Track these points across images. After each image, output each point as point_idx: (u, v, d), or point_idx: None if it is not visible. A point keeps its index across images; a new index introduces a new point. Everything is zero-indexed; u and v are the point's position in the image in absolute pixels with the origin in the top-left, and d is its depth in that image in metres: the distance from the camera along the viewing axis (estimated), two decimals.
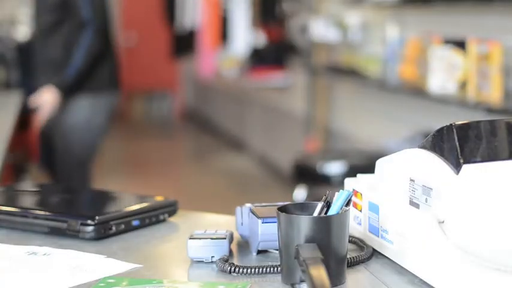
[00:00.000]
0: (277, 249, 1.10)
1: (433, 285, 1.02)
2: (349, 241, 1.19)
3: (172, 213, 1.42)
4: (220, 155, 7.74)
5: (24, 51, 5.50)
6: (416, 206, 1.09)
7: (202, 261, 1.17)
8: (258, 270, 1.10)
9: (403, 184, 1.12)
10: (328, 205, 1.07)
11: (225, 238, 1.18)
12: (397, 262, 1.12)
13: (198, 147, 8.75)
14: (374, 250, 1.18)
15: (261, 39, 6.65)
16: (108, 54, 3.92)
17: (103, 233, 1.29)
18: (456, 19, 3.84)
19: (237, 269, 1.10)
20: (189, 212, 1.47)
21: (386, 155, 1.21)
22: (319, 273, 0.95)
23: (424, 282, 1.05)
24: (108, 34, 3.90)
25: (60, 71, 3.72)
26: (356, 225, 1.24)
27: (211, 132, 8.92)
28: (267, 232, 1.16)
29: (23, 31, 6.12)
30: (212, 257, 1.16)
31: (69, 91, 3.75)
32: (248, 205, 1.24)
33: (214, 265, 1.15)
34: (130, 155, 8.22)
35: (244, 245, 1.25)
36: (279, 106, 6.61)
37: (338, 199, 1.07)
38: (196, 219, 1.46)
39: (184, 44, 8.53)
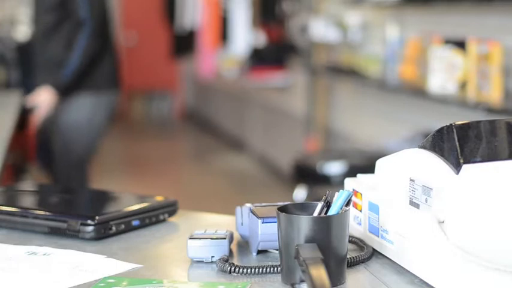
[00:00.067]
0: (277, 249, 1.11)
1: (433, 285, 1.02)
2: (349, 241, 1.19)
3: (172, 213, 1.42)
4: (220, 155, 7.74)
5: (24, 51, 5.50)
6: (416, 206, 1.09)
7: (202, 261, 1.17)
8: (258, 270, 1.10)
9: (403, 184, 1.12)
10: (328, 205, 1.07)
11: (225, 238, 1.18)
12: (397, 262, 1.12)
13: (198, 147, 8.75)
14: (374, 250, 1.18)
15: (261, 39, 6.65)
16: (109, 53, 3.91)
17: (103, 233, 1.29)
18: (456, 19, 3.84)
19: (237, 269, 1.10)
20: (189, 212, 1.47)
21: (386, 155, 1.21)
22: (319, 273, 0.95)
23: (424, 282, 1.05)
24: (108, 33, 3.90)
25: (57, 71, 3.72)
26: (356, 225, 1.24)
27: (211, 132, 8.92)
28: (267, 232, 1.16)
29: (23, 31, 6.12)
30: (212, 257, 1.16)
31: (66, 91, 3.75)
32: (248, 205, 1.24)
33: (214, 265, 1.15)
34: (130, 155, 8.23)
35: (244, 245, 1.25)
36: (279, 106, 6.61)
37: (338, 199, 1.07)
38: (196, 219, 1.46)
39: (184, 44, 8.53)
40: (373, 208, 1.18)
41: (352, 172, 1.99)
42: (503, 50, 3.28)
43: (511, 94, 3.32)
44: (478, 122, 1.06)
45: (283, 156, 6.15)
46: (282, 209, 1.07)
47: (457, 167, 1.03)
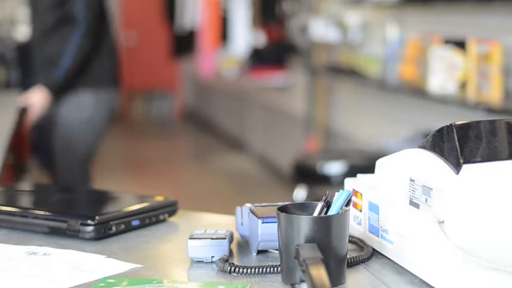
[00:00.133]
0: (277, 249, 1.11)
1: (433, 285, 1.02)
2: (349, 241, 1.19)
3: (172, 213, 1.42)
4: (220, 155, 7.74)
5: (24, 51, 5.50)
6: (416, 206, 1.09)
7: (202, 261, 1.17)
8: (258, 270, 1.10)
9: (403, 184, 1.12)
10: (328, 205, 1.07)
11: (225, 238, 1.18)
12: (397, 262, 1.12)
13: (198, 147, 8.75)
14: (374, 250, 1.18)
15: (261, 39, 6.65)
16: (109, 50, 3.91)
17: (103, 233, 1.29)
18: (456, 19, 3.84)
19: (237, 269, 1.10)
20: (189, 212, 1.47)
21: (386, 155, 1.21)
22: (319, 273, 0.95)
23: (424, 282, 1.05)
24: (107, 31, 3.89)
25: (52, 71, 3.71)
26: (356, 225, 1.24)
27: (211, 132, 8.92)
28: (267, 232, 1.16)
29: (23, 31, 6.12)
30: (212, 257, 1.16)
31: (60, 90, 3.73)
32: (248, 205, 1.24)
33: (214, 265, 1.15)
34: (130, 155, 8.23)
35: (244, 245, 1.25)
36: (279, 106, 6.61)
37: (338, 199, 1.07)
38: (196, 219, 1.46)
39: (184, 44, 8.53)
40: (373, 208, 1.18)
41: (352, 172, 1.99)
42: (503, 50, 3.28)
43: (511, 94, 3.32)
44: (478, 122, 1.06)
45: (283, 156, 6.16)
46: (282, 209, 1.07)
47: (457, 167, 1.03)
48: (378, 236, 1.17)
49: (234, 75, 7.41)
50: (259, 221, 1.16)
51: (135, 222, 1.34)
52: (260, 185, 6.35)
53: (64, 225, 1.29)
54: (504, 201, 1.02)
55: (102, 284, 1.07)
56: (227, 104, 8.53)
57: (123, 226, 1.32)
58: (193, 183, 6.60)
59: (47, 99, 3.72)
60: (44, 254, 1.21)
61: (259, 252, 1.20)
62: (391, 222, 1.13)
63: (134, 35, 10.35)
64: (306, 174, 4.06)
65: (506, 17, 3.47)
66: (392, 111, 4.50)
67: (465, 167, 1.02)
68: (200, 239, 1.17)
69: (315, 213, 1.07)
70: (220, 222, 1.42)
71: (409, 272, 1.09)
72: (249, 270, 1.10)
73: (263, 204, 1.24)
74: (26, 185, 2.06)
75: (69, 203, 1.52)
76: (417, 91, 3.83)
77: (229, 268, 1.11)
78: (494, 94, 3.26)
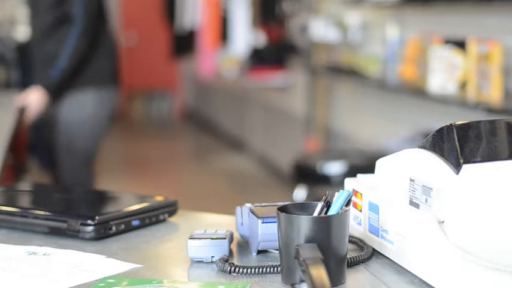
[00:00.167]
0: (277, 249, 1.11)
1: (433, 285, 1.02)
2: (349, 241, 1.19)
3: (172, 213, 1.42)
4: (220, 155, 7.74)
5: (24, 51, 5.50)
6: (416, 206, 1.09)
7: (202, 261, 1.17)
8: (258, 270, 1.10)
9: (403, 184, 1.12)
10: (328, 205, 1.07)
11: (225, 238, 1.18)
12: (397, 262, 1.12)
13: (198, 147, 8.75)
14: (374, 250, 1.18)
15: (261, 39, 6.65)
16: (109, 49, 3.90)
17: (103, 233, 1.29)
18: (456, 19, 3.84)
19: (237, 269, 1.10)
20: (189, 212, 1.47)
21: (386, 155, 1.21)
22: (319, 273, 0.95)
23: (424, 282, 1.05)
24: (106, 30, 3.89)
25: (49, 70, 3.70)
26: (356, 225, 1.24)
27: (211, 132, 8.92)
28: (267, 232, 1.16)
29: (23, 31, 6.12)
30: (212, 257, 1.16)
31: (58, 90, 3.73)
32: (248, 205, 1.24)
33: (214, 265, 1.15)
34: (131, 155, 8.23)
35: (244, 245, 1.25)
36: (279, 106, 6.62)
37: (338, 199, 1.07)
38: (196, 219, 1.46)
39: (184, 44, 8.53)
40: (373, 208, 1.18)
41: (352, 172, 1.99)
42: (503, 50, 3.28)
43: (511, 94, 3.32)
44: (478, 122, 1.06)
45: (283, 156, 6.15)
46: (282, 209, 1.07)
47: (457, 167, 1.03)
48: (378, 236, 1.17)
49: (234, 75, 7.41)
50: (259, 221, 1.16)
51: (135, 222, 1.34)
52: (260, 185, 6.35)
53: (64, 225, 1.29)
54: (504, 201, 1.02)
55: (102, 284, 1.07)
56: (227, 104, 8.53)
57: (123, 226, 1.32)
58: (193, 183, 6.60)
59: (44, 99, 3.71)
60: (44, 254, 1.21)
61: (259, 252, 1.20)
62: (391, 222, 1.13)
63: (134, 35, 10.35)
64: (306, 174, 4.06)
65: (506, 17, 3.47)
66: (392, 111, 4.50)
67: (465, 167, 1.02)
68: (200, 239, 1.17)
69: (315, 213, 1.07)
70: (220, 222, 1.42)
71: (409, 272, 1.09)
72: (249, 270, 1.10)
73: (263, 204, 1.24)
74: (26, 185, 2.06)
75: (69, 203, 1.52)
76: (417, 91, 3.83)
77: (229, 268, 1.11)
78: (494, 94, 3.26)
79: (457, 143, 1.03)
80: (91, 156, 3.95)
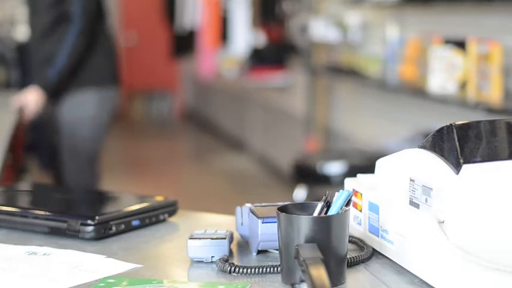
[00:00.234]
0: (277, 249, 1.10)
1: (433, 285, 1.02)
2: (349, 241, 1.19)
3: (172, 213, 1.42)
4: (220, 155, 7.74)
5: (24, 51, 5.50)
6: (416, 206, 1.09)
7: (202, 261, 1.17)
8: (258, 270, 1.10)
9: (403, 184, 1.12)
10: (328, 205, 1.07)
11: (225, 238, 1.18)
12: (397, 262, 1.12)
13: (198, 147, 8.75)
14: (374, 250, 1.18)
15: (261, 39, 6.65)
16: (109, 50, 3.90)
17: (103, 233, 1.29)
18: (456, 19, 3.84)
19: (237, 269, 1.10)
20: (189, 212, 1.47)
21: (386, 155, 1.21)
22: (319, 273, 0.95)
23: (424, 282, 1.05)
24: (105, 30, 3.88)
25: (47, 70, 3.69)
26: (356, 225, 1.24)
27: (211, 132, 8.92)
28: (267, 232, 1.16)
29: (23, 31, 6.12)
30: (212, 257, 1.16)
31: (55, 90, 3.71)
32: (248, 205, 1.24)
33: (214, 265, 1.15)
34: (131, 155, 8.23)
35: (244, 245, 1.25)
36: (279, 106, 6.62)
37: (338, 199, 1.07)
38: (196, 219, 1.46)
39: (184, 44, 8.53)
40: (373, 208, 1.18)
41: (352, 172, 1.99)
42: (503, 50, 3.28)
43: (511, 94, 3.32)
44: (478, 122, 1.06)
45: (283, 156, 6.16)
46: (282, 209, 1.07)
47: (457, 167, 1.03)
48: (378, 236, 1.17)
49: (234, 75, 7.41)
50: (259, 221, 1.16)
51: (135, 222, 1.34)
52: (260, 185, 6.35)
53: (64, 225, 1.29)
54: (504, 201, 1.02)
55: (102, 284, 1.07)
56: (227, 104, 8.53)
57: (123, 226, 1.32)
58: (193, 183, 6.60)
59: (42, 99, 3.70)
60: (44, 254, 1.21)
61: (259, 252, 1.20)
62: (391, 222, 1.13)
63: (134, 35, 10.35)
64: (306, 174, 4.06)
65: (506, 17, 3.47)
66: (392, 111, 4.50)
67: (465, 167, 1.02)
68: (200, 239, 1.17)
69: (315, 213, 1.07)
70: (220, 222, 1.42)
71: (409, 272, 1.09)
72: (249, 270, 1.10)
73: (263, 204, 1.24)
74: (26, 185, 2.06)
75: (69, 203, 1.52)
76: (417, 91, 3.83)
77: (229, 268, 1.11)
78: (494, 94, 3.26)
79: (457, 143, 1.03)
80: (94, 157, 3.94)
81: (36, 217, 1.33)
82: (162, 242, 1.32)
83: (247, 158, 7.33)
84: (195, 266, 1.16)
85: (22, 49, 5.75)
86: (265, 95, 6.93)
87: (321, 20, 5.12)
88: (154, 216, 1.38)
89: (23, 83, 5.39)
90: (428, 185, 1.06)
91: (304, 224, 1.03)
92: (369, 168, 1.28)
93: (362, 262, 1.15)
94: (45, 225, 1.31)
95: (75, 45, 3.66)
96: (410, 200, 1.10)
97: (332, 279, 0.99)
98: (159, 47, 9.97)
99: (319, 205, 1.07)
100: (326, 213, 1.07)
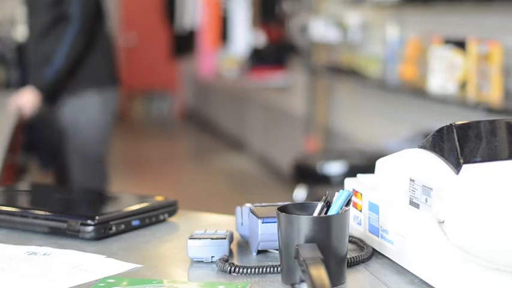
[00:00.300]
0: (277, 249, 1.10)
1: (433, 285, 1.02)
2: (349, 241, 1.19)
3: (172, 213, 1.42)
4: (220, 155, 7.74)
5: (24, 51, 5.50)
6: (416, 206, 1.09)
7: (202, 261, 1.17)
8: (258, 270, 1.10)
9: (403, 184, 1.12)
10: (328, 205, 1.07)
11: (225, 238, 1.18)
12: (397, 262, 1.12)
13: (198, 147, 8.75)
14: (374, 250, 1.18)
15: (261, 39, 6.65)
16: (108, 50, 3.89)
17: (103, 233, 1.29)
18: (456, 19, 3.84)
19: (237, 269, 1.10)
20: (189, 212, 1.47)
21: (386, 155, 1.21)
22: (319, 273, 0.95)
23: (424, 282, 1.05)
24: (104, 30, 3.88)
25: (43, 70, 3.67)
26: (356, 225, 1.24)
27: (211, 132, 8.92)
28: (267, 232, 1.16)
29: (23, 31, 6.12)
30: (212, 257, 1.16)
31: (52, 91, 3.69)
32: (248, 205, 1.24)
33: (214, 265, 1.15)
34: (131, 155, 8.22)
35: (244, 245, 1.25)
36: (279, 106, 6.62)
37: (338, 199, 1.07)
38: (196, 219, 1.46)
39: (184, 44, 8.53)
40: (373, 208, 1.18)
41: (352, 172, 1.99)
42: (503, 50, 3.28)
43: (511, 94, 3.32)
44: (478, 122, 1.06)
45: (283, 156, 6.16)
46: (282, 209, 1.07)
47: (457, 167, 1.03)
48: (378, 236, 1.17)
49: (234, 75, 7.41)
50: (259, 221, 1.16)
51: (135, 222, 1.34)
52: (260, 185, 6.35)
53: (64, 225, 1.29)
54: (504, 201, 1.02)
55: (102, 284, 1.07)
56: (227, 104, 8.53)
57: (123, 226, 1.32)
58: (193, 183, 6.60)
59: (37, 99, 3.67)
60: (44, 254, 1.21)
61: (259, 252, 1.20)
62: (391, 222, 1.13)
63: (134, 35, 10.35)
64: (306, 174, 4.06)
65: (506, 17, 3.47)
66: (392, 111, 4.50)
67: (465, 167, 1.02)
68: (200, 239, 1.17)
69: (315, 213, 1.07)
70: (220, 222, 1.42)
71: (409, 272, 1.09)
72: (249, 270, 1.10)
73: (263, 204, 1.24)
74: (26, 185, 2.06)
75: (69, 203, 1.52)
76: (417, 91, 3.83)
77: (229, 268, 1.11)
78: (494, 94, 3.26)
79: (457, 143, 1.03)
80: (102, 158, 3.93)
81: (36, 217, 1.33)
82: (162, 242, 1.32)
83: (247, 158, 7.33)
84: (195, 266, 1.16)
85: (22, 49, 5.75)
86: (265, 95, 6.93)
87: (321, 20, 5.12)
88: (154, 216, 1.38)
89: (22, 83, 5.39)
90: (428, 185, 1.06)
91: (304, 224, 1.03)
92: (369, 168, 1.28)
93: (362, 262, 1.15)
94: (45, 225, 1.31)
95: (73, 45, 3.65)
96: (410, 200, 1.10)
97: (332, 279, 0.99)
98: (159, 47, 9.97)
99: (319, 205, 1.07)
100: (326, 213, 1.07)
